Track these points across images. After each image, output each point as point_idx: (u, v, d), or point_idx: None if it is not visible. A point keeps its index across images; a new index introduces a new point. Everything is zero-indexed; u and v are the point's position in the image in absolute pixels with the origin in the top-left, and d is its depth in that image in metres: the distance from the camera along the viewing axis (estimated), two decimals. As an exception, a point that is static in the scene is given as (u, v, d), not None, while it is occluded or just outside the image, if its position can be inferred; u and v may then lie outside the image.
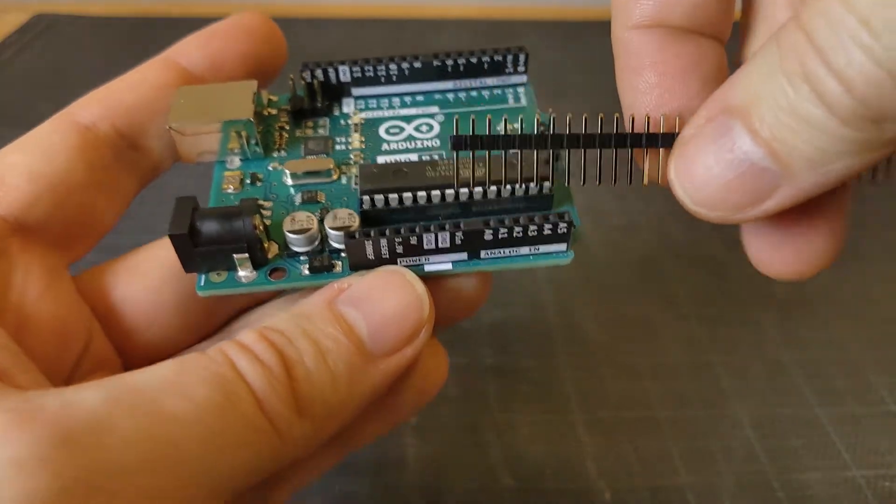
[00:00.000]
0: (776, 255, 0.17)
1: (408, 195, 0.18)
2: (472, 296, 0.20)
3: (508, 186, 0.18)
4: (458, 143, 0.16)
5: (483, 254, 0.18)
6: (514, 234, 0.17)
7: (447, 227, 0.17)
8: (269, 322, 0.16)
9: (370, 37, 0.57)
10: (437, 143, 0.21)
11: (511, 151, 0.17)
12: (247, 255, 0.18)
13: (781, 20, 0.16)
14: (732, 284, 0.34)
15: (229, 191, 0.20)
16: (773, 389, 0.30)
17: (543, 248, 0.18)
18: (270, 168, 0.21)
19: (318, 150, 0.21)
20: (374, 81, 0.22)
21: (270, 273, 0.18)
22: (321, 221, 0.19)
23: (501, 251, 0.18)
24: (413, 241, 0.17)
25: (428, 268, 0.18)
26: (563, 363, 0.31)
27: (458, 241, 0.18)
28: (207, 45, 0.21)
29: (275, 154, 0.21)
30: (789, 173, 0.13)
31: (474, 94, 0.23)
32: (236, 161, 0.21)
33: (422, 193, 0.18)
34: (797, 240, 0.16)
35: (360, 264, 0.18)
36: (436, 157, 0.21)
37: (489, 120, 0.16)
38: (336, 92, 0.22)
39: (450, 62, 0.22)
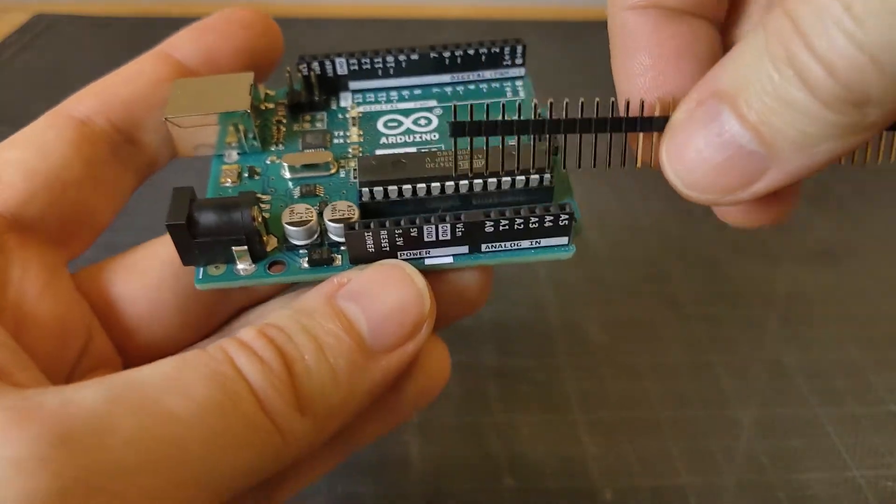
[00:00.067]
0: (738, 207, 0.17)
1: (407, 187, 0.18)
2: (474, 292, 0.19)
3: (508, 178, 0.18)
4: (457, 129, 0.16)
5: (484, 247, 0.18)
6: (516, 226, 0.17)
7: (448, 218, 0.17)
8: (268, 319, 0.16)
9: (370, 36, 0.57)
10: (436, 136, 0.21)
11: (510, 139, 0.16)
12: (245, 247, 0.18)
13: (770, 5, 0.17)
14: (733, 285, 0.34)
15: (227, 184, 0.20)
16: (773, 389, 0.30)
17: (545, 242, 0.18)
18: (268, 162, 0.20)
19: (316, 144, 0.21)
20: (372, 74, 0.22)
21: (269, 266, 0.18)
22: (320, 214, 0.18)
23: (502, 244, 0.18)
24: (413, 232, 0.17)
25: (428, 261, 0.18)
26: (564, 363, 0.31)
27: (458, 233, 0.17)
28: (201, 38, 0.21)
29: (273, 148, 0.21)
30: (776, 156, 0.14)
31: (472, 87, 0.22)
32: (234, 155, 0.21)
33: (421, 185, 0.18)
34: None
35: (359, 257, 0.18)
36: (434, 150, 0.20)
37: (487, 107, 0.16)
38: (333, 86, 0.22)
39: (447, 54, 0.22)
